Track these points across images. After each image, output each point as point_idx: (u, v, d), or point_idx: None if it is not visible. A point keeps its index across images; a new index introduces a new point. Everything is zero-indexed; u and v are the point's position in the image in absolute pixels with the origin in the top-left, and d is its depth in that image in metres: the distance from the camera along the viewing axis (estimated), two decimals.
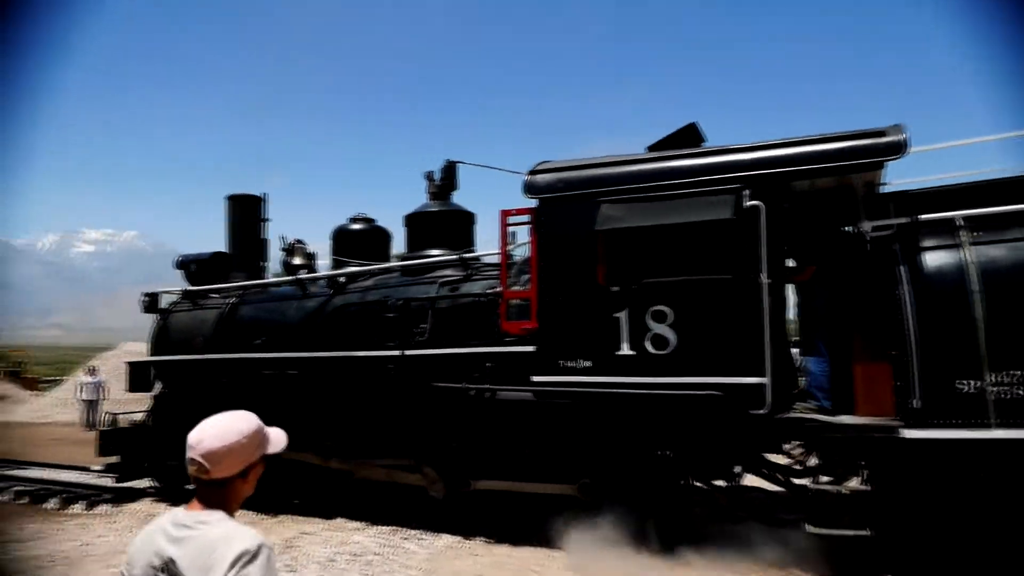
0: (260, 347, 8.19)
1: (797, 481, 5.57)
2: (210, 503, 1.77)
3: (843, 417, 5.39)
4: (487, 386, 6.47)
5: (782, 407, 5.47)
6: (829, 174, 5.47)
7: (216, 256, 9.72)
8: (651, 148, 6.53)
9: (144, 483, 9.25)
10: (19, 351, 41.44)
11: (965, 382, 4.83)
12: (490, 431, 6.54)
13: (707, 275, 5.57)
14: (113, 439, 9.03)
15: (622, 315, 5.84)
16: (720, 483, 6.11)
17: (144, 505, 8.79)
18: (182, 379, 8.98)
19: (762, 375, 5.29)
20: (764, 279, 5.36)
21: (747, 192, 5.48)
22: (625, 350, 5.81)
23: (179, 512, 1.76)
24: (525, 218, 6.49)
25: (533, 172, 6.46)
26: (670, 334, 5.66)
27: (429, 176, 8.33)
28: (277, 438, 1.91)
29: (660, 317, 5.70)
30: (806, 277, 5.86)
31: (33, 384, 29.10)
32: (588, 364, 5.95)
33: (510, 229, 6.64)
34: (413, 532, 7.01)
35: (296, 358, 7.79)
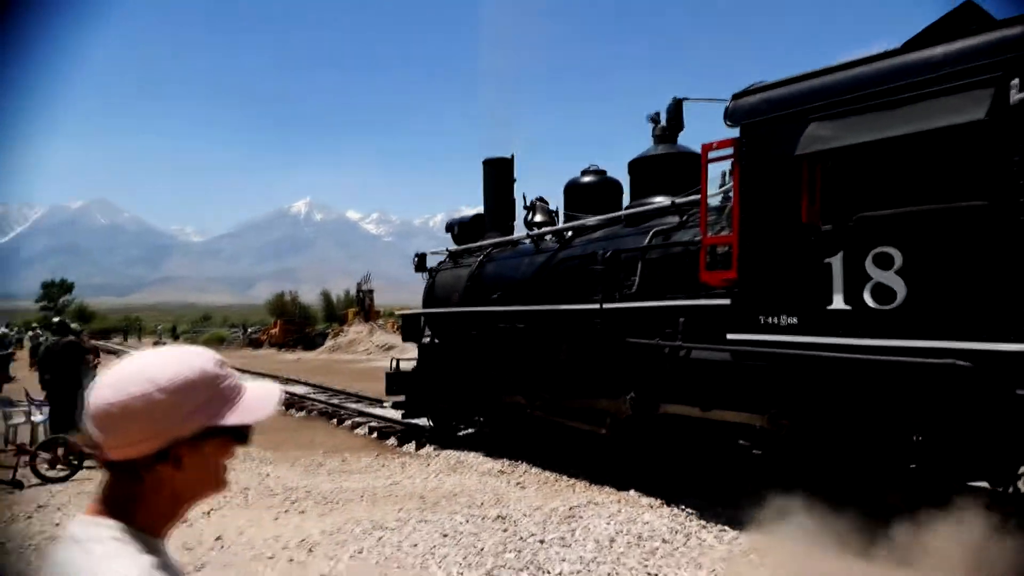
0: (497, 301, 8.57)
1: None
2: (108, 503, 1.02)
3: None
4: (680, 344, 5.78)
5: None
6: None
7: (475, 218, 10.43)
8: (908, 44, 5.01)
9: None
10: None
11: None
12: (685, 390, 5.86)
13: (951, 203, 4.10)
14: (396, 381, 10.35)
15: (835, 260, 4.66)
16: (983, 484, 4.53)
17: (456, 453, 8.94)
18: (443, 330, 9.89)
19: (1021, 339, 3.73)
20: None
21: (1016, 82, 3.86)
22: (838, 304, 4.63)
23: (76, 519, 1.03)
24: (728, 151, 5.56)
25: (737, 96, 5.49)
26: (898, 284, 4.33)
27: (654, 118, 7.68)
28: (256, 400, 1.11)
29: (885, 262, 4.40)
30: None
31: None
32: (793, 321, 4.90)
33: (714, 166, 5.77)
34: (714, 522, 5.69)
35: (518, 311, 7.97)
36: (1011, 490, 4.56)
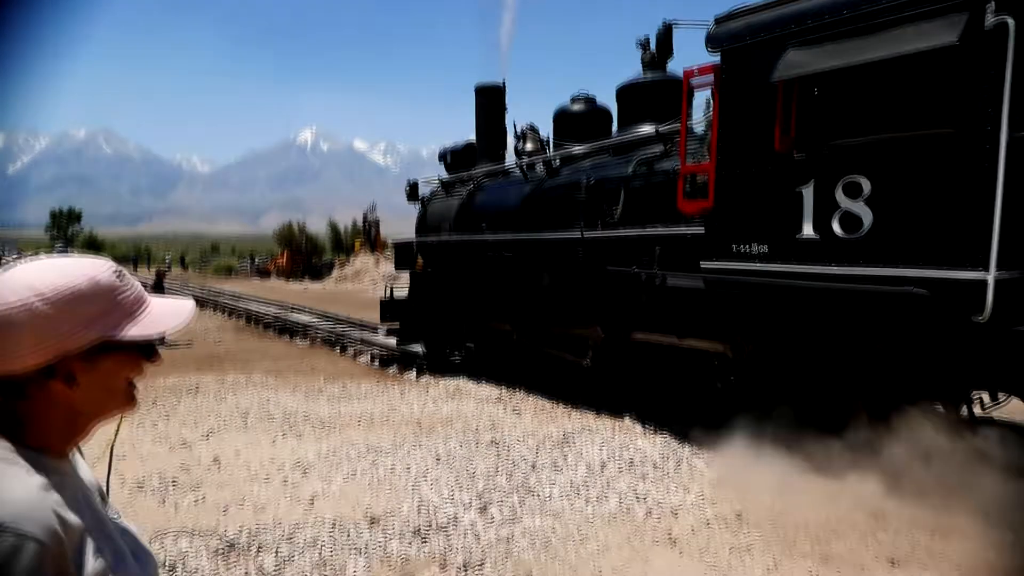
0: (485, 230, 8.63)
1: None
2: None
3: None
4: (655, 271, 5.87)
5: (1013, 317, 3.89)
6: None
7: (467, 147, 10.34)
8: None
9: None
10: None
11: None
12: (661, 318, 5.99)
13: (918, 131, 4.09)
14: (390, 308, 10.52)
15: (806, 189, 4.68)
16: (938, 407, 4.68)
17: (455, 381, 9.09)
18: (434, 258, 10.00)
19: (983, 267, 3.79)
20: (1004, 133, 3.73)
21: (991, 5, 3.78)
22: (808, 232, 4.69)
23: None
24: (710, 78, 5.49)
25: (719, 21, 5.38)
26: (865, 212, 4.37)
27: (643, 43, 7.51)
28: (162, 314, 1.03)
29: (854, 191, 4.42)
30: None
31: None
32: (764, 249, 4.97)
33: (700, 93, 5.71)
34: (706, 448, 5.66)
35: (505, 240, 8.05)
36: (964, 412, 4.72)
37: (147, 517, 4.34)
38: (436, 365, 9.81)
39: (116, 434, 1.05)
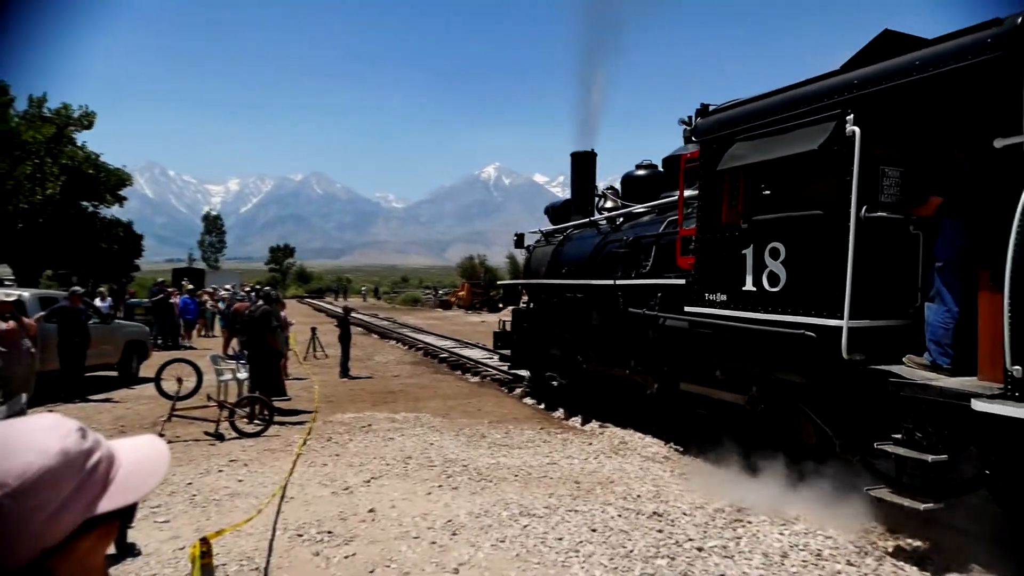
0: (565, 275, 10.39)
1: (878, 444, 4.87)
2: None
3: (951, 380, 4.59)
4: (656, 313, 7.31)
5: (878, 357, 4.97)
6: (936, 85, 4.54)
7: (564, 203, 12.21)
8: (844, 66, 6.07)
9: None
10: None
11: None
12: (664, 350, 7.38)
13: (803, 211, 5.34)
14: (501, 337, 12.59)
15: (748, 251, 5.99)
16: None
17: (621, 432, 8.70)
18: (535, 297, 11.91)
19: (840, 316, 4.96)
20: (854, 214, 4.91)
21: (850, 116, 5.00)
22: (749, 286, 5.99)
23: None
24: (696, 161, 6.93)
25: (701, 115, 6.83)
26: (781, 271, 5.63)
27: (685, 121, 8.92)
28: (136, 472, 0.84)
29: (775, 254, 5.70)
30: (929, 211, 4.88)
31: None
32: (724, 298, 6.30)
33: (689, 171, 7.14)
34: (914, 544, 4.87)
35: (574, 284, 9.75)
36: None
37: (299, 571, 4.43)
38: (538, 391, 11.49)
39: (290, 473, 1.60)
